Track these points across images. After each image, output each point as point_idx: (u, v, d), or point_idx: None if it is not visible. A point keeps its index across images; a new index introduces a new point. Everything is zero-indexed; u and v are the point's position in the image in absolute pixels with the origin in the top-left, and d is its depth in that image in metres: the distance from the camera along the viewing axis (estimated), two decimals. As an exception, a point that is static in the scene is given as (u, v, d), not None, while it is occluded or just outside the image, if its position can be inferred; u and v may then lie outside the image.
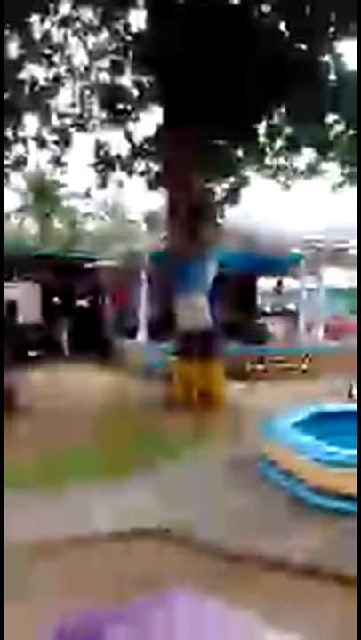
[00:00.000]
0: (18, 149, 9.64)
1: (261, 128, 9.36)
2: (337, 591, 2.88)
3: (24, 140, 9.61)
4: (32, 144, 9.72)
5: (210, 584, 3.07)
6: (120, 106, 9.42)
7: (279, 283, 15.68)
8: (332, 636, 2.57)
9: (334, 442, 4.46)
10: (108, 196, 26.64)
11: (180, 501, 4.28)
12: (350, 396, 7.85)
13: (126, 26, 9.01)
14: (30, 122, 9.64)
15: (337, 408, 6.07)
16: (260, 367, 11.14)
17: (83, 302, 16.67)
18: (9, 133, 9.32)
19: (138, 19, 8.86)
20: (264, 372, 11.06)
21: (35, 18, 8.75)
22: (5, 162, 9.66)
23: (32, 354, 13.06)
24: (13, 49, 8.86)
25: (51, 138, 9.74)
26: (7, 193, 23.11)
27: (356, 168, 8.91)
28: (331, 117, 8.79)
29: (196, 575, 3.18)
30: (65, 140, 9.75)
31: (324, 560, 3.19)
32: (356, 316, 12.01)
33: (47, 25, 8.95)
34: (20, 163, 9.90)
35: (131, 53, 8.98)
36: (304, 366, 11.58)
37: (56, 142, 9.76)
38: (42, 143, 9.71)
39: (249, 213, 10.69)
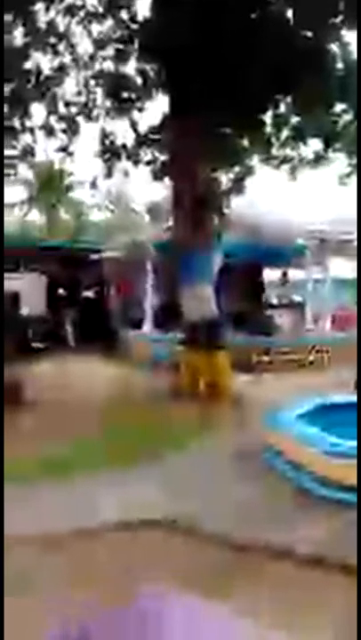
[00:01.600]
0: (25, 139, 9.60)
1: (268, 118, 9.28)
2: (342, 581, 2.89)
3: (31, 130, 9.57)
4: (39, 133, 9.69)
5: (216, 574, 3.09)
6: (125, 94, 9.35)
7: (284, 274, 15.59)
8: (337, 624, 2.58)
9: (340, 433, 4.46)
10: (112, 186, 26.56)
11: (187, 492, 4.30)
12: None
13: (131, 14, 8.92)
14: (37, 111, 9.61)
15: (342, 399, 6.05)
16: (266, 359, 11.12)
17: (89, 293, 16.67)
18: (16, 123, 9.28)
19: (142, 6, 8.79)
20: (270, 363, 11.05)
21: (40, 6, 8.68)
22: (13, 152, 9.62)
23: (37, 346, 13.09)
24: (19, 38, 8.81)
25: (58, 127, 9.69)
26: (13, 184, 23.10)
27: (357, 160, 8.84)
28: (338, 107, 8.71)
29: (203, 565, 3.20)
30: (73, 129, 9.70)
31: (330, 550, 3.20)
32: (357, 308, 11.95)
33: (52, 13, 8.88)
34: (28, 152, 9.85)
35: (136, 42, 8.89)
36: (311, 358, 11.56)
37: (64, 131, 9.71)
38: (50, 132, 9.66)
39: (255, 203, 10.63)
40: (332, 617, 2.65)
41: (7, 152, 9.61)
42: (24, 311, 13.98)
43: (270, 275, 16.08)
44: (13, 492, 4.07)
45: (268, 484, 4.39)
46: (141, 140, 9.57)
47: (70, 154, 10.08)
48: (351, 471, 3.91)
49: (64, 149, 10.00)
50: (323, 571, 3.03)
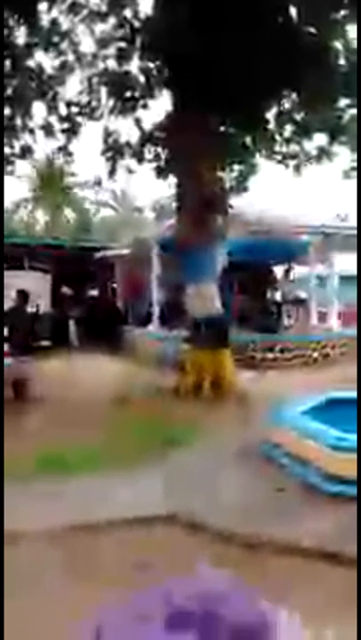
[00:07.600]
0: (25, 138, 9.61)
1: (271, 115, 9.26)
2: (348, 574, 2.89)
3: (31, 130, 9.57)
4: (40, 133, 9.69)
5: (221, 568, 3.09)
6: (128, 93, 9.35)
7: (287, 271, 15.51)
8: (344, 617, 2.59)
9: (344, 428, 4.46)
10: (117, 184, 26.60)
11: (192, 488, 4.31)
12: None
13: (134, 12, 8.92)
14: (38, 110, 9.62)
15: (347, 395, 6.05)
16: (270, 356, 11.12)
17: (94, 292, 16.70)
18: (17, 122, 9.29)
19: (145, 4, 8.79)
20: (275, 360, 11.05)
21: (42, 5, 8.69)
22: (12, 150, 9.63)
23: (44, 344, 13.11)
24: (21, 36, 8.83)
25: (59, 126, 9.69)
26: (18, 183, 23.17)
27: (357, 156, 8.82)
28: (343, 101, 8.69)
29: (207, 560, 3.21)
30: (73, 129, 9.70)
31: (335, 544, 3.21)
32: (357, 305, 11.91)
33: (55, 12, 8.89)
34: (27, 151, 9.84)
35: (138, 40, 8.89)
36: (315, 354, 11.54)
37: (64, 131, 9.71)
38: (49, 131, 9.66)
39: (258, 200, 10.62)
40: (338, 610, 2.66)
41: (6, 150, 9.61)
42: (30, 309, 13.99)
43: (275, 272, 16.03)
44: (17, 489, 4.09)
45: (273, 480, 4.40)
46: (145, 138, 9.57)
47: (70, 154, 10.07)
48: (356, 465, 3.92)
49: (63, 149, 10.00)
50: (328, 564, 3.04)
